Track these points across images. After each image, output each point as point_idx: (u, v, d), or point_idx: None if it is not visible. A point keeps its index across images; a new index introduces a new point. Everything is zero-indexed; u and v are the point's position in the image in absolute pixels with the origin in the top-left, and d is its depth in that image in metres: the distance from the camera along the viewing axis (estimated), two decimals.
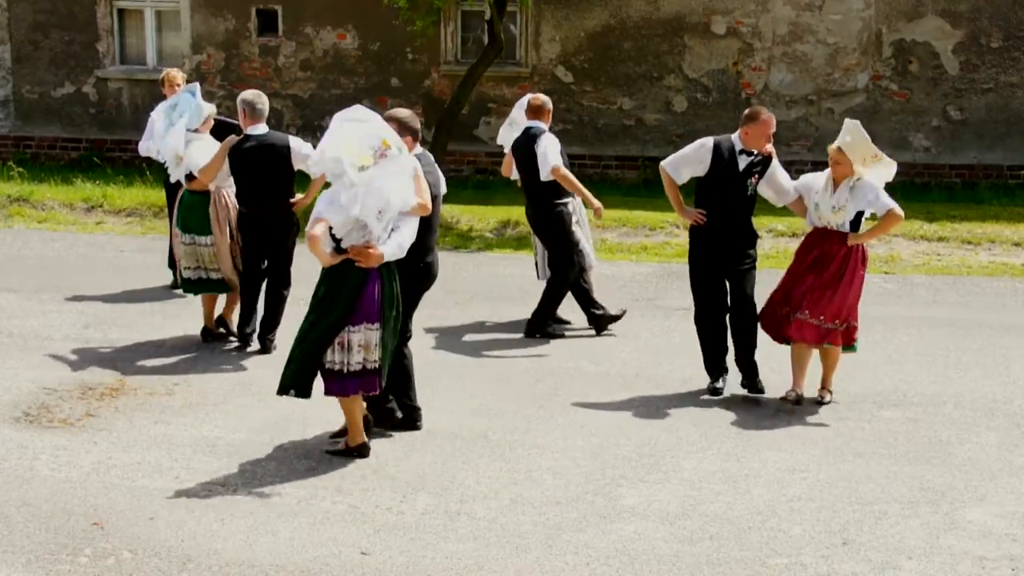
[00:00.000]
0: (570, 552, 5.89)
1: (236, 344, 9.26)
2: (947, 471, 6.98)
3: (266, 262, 9.18)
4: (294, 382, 6.94)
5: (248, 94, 9.06)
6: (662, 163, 8.47)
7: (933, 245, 13.11)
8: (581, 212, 10.07)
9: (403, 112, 7.26)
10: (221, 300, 9.49)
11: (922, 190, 15.55)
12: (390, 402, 7.46)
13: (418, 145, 7.32)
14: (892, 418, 7.88)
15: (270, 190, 8.91)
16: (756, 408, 8.08)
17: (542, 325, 9.69)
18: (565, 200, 9.65)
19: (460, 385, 8.40)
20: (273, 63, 17.01)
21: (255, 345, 9.16)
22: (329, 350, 6.85)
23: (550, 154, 9.47)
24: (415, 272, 7.32)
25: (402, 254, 6.93)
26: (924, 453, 7.27)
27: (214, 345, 9.28)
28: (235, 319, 9.41)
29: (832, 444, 7.41)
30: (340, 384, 6.90)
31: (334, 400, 7.76)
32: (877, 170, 8.09)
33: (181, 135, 9.26)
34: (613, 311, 9.87)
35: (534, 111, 9.71)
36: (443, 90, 16.50)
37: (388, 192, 6.76)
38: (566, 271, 9.65)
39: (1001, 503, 6.54)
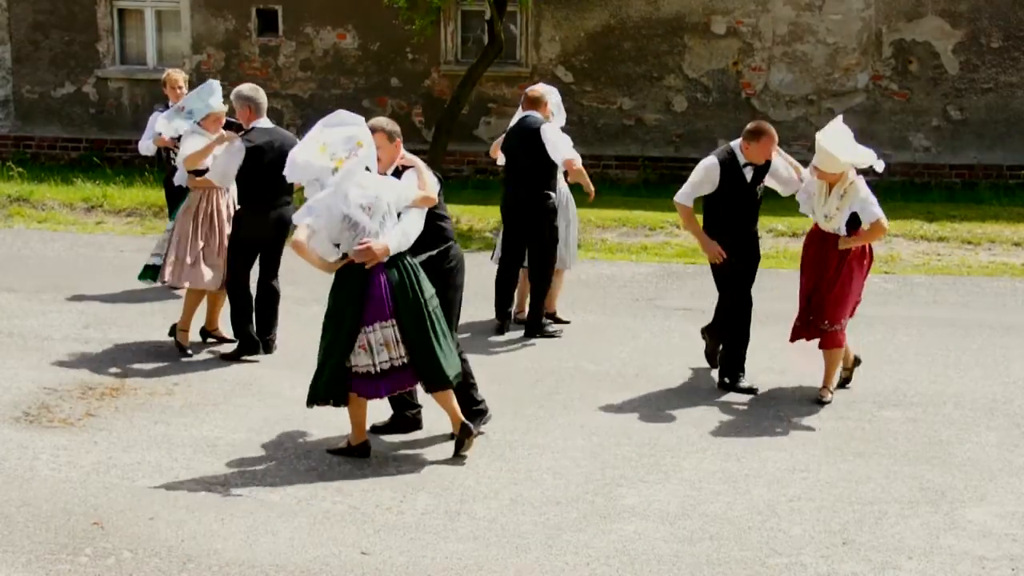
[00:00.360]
0: (570, 552, 5.89)
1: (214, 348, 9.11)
2: (947, 471, 6.98)
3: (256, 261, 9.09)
4: (327, 393, 6.91)
5: (247, 89, 8.94)
6: (677, 199, 8.33)
7: (933, 245, 13.11)
8: (572, 211, 10.08)
9: (382, 120, 7.23)
10: (224, 305, 9.42)
11: (922, 190, 15.56)
12: (416, 410, 7.50)
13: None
14: (892, 418, 7.88)
15: (282, 187, 8.83)
16: (756, 408, 8.08)
17: (539, 325, 9.70)
18: (553, 193, 9.69)
19: None
20: (273, 63, 17.02)
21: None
22: (354, 355, 6.82)
23: (565, 146, 9.60)
24: (438, 263, 7.29)
25: (408, 243, 6.91)
26: (924, 453, 7.27)
27: (214, 345, 9.27)
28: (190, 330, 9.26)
29: (832, 444, 7.41)
30: (374, 386, 6.86)
31: None
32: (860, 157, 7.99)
33: (166, 121, 9.25)
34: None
35: (531, 102, 9.71)
36: (443, 90, 16.50)
37: (377, 188, 6.78)
38: (547, 267, 9.68)
39: (1001, 503, 6.54)
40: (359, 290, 6.78)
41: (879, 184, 15.46)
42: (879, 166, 7.95)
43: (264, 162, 8.71)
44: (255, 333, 9.00)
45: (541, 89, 9.87)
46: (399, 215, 6.90)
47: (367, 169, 6.87)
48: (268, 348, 9.04)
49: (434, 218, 7.20)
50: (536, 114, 9.65)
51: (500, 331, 9.77)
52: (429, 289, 6.97)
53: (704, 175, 8.22)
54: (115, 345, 9.23)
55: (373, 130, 7.01)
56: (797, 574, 5.72)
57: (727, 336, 8.45)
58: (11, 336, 9.41)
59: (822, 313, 8.10)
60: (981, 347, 9.50)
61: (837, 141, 7.86)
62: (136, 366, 8.74)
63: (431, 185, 7.10)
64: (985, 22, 15.68)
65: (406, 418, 7.49)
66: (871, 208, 7.95)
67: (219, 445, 7.23)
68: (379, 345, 6.81)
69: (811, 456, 7.20)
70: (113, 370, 8.63)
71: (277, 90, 16.97)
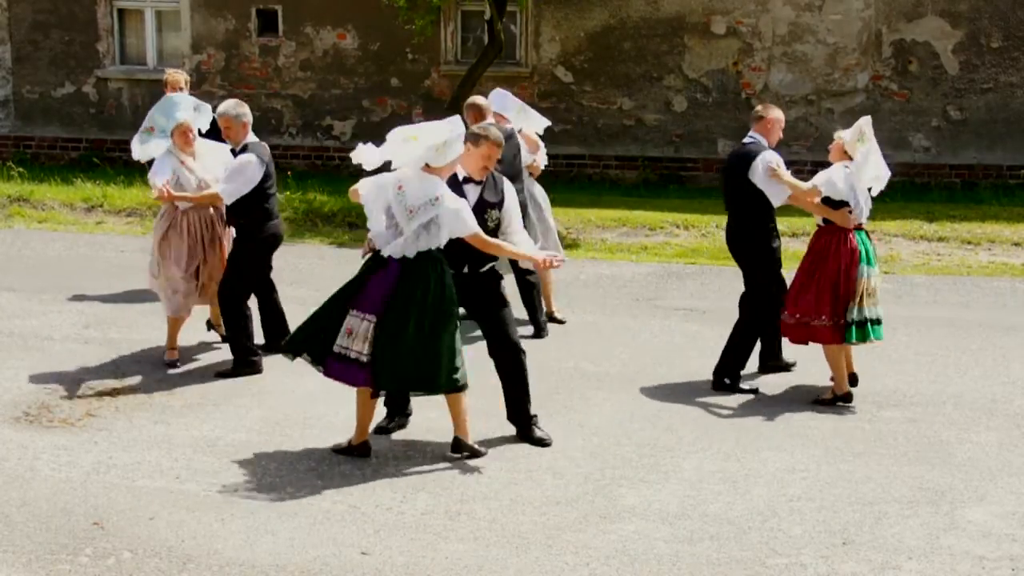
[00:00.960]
0: (570, 552, 5.89)
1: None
2: (947, 471, 6.98)
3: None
4: (303, 343, 6.97)
5: (236, 106, 8.56)
6: (805, 192, 8.19)
7: (933, 245, 13.12)
8: (546, 211, 10.10)
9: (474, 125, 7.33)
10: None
11: (922, 190, 15.57)
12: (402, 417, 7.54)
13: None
14: (892, 418, 7.88)
15: (276, 201, 8.71)
16: (756, 408, 8.08)
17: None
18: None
19: None
20: (273, 63, 17.02)
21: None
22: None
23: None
24: (491, 275, 7.27)
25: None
26: (924, 453, 7.27)
27: (215, 345, 9.27)
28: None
29: (832, 444, 7.41)
30: (329, 362, 6.89)
31: (334, 400, 7.79)
32: (870, 156, 8.11)
33: (139, 145, 8.82)
34: None
35: (482, 111, 9.67)
36: (443, 90, 16.50)
37: (433, 199, 6.75)
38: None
39: (1001, 503, 6.54)
40: (364, 272, 6.86)
41: None
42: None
43: (268, 177, 8.52)
44: (255, 347, 8.68)
45: (481, 99, 9.80)
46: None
47: (466, 183, 7.07)
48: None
49: (494, 234, 7.19)
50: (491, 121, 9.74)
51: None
52: (443, 302, 6.86)
53: (775, 156, 8.29)
54: (115, 345, 9.23)
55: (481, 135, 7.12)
56: (797, 574, 5.72)
57: (748, 336, 8.45)
58: (11, 336, 9.41)
59: (797, 308, 8.16)
60: (981, 347, 9.50)
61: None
62: (136, 366, 8.74)
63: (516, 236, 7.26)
64: (985, 22, 15.69)
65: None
66: (825, 175, 8.08)
67: (219, 445, 7.23)
68: (346, 330, 6.81)
69: (811, 456, 7.20)
70: (113, 370, 8.63)
71: (277, 90, 16.99)
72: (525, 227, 9.89)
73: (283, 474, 6.80)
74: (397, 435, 7.43)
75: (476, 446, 7.08)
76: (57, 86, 17.52)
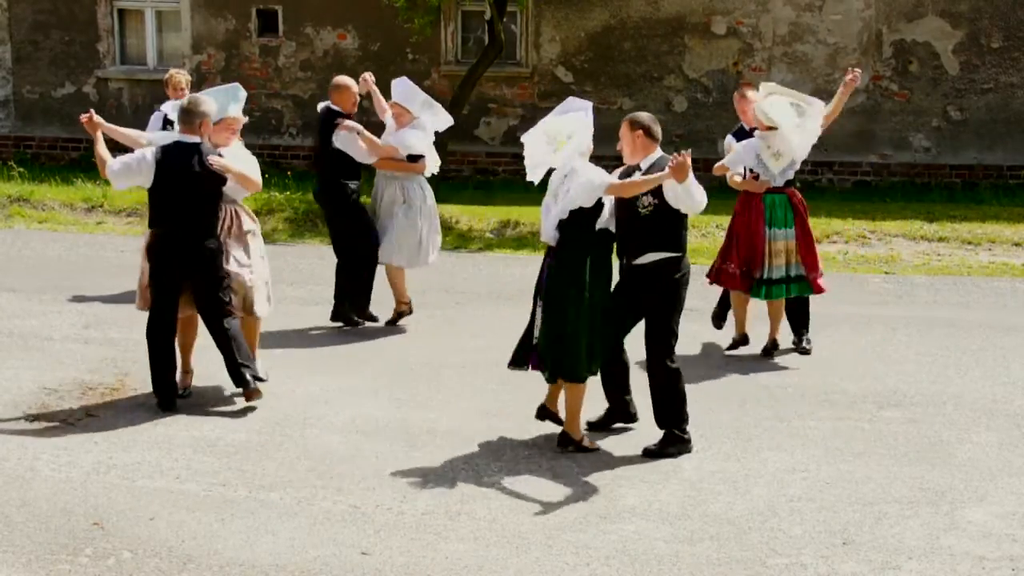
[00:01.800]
0: (570, 552, 5.89)
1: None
2: (947, 471, 6.98)
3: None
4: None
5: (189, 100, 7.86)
6: (720, 163, 9.06)
7: (933, 245, 13.11)
8: (425, 211, 9.80)
9: (639, 114, 7.58)
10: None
11: (922, 190, 15.56)
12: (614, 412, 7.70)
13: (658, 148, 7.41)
14: (892, 418, 7.88)
15: (198, 213, 7.72)
16: (756, 408, 8.08)
17: (353, 314, 9.69)
18: (352, 183, 9.82)
19: (460, 385, 8.40)
20: (273, 63, 17.01)
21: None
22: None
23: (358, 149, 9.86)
24: (667, 269, 7.44)
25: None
26: (924, 453, 7.27)
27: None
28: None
29: (832, 444, 7.41)
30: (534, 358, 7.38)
31: (334, 400, 7.79)
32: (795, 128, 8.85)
33: (172, 108, 8.66)
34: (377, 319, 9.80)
35: (342, 92, 10.14)
36: (443, 90, 16.48)
37: (566, 176, 7.07)
38: (348, 259, 9.64)
39: (1001, 503, 6.54)
40: (542, 267, 7.25)
41: (880, 184, 15.53)
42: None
43: (170, 182, 7.56)
44: (176, 385, 7.89)
45: (342, 78, 10.25)
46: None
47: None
48: (249, 384, 7.83)
49: (678, 223, 7.20)
50: (330, 104, 10.00)
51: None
52: (566, 287, 7.05)
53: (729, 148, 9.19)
54: (115, 345, 9.23)
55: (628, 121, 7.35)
56: (797, 574, 5.72)
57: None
58: (11, 336, 9.41)
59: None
60: (981, 347, 9.50)
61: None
62: (136, 366, 8.73)
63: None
64: (985, 22, 15.68)
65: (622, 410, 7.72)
66: (730, 154, 9.03)
67: (219, 445, 7.23)
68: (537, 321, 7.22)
69: (811, 456, 7.20)
70: (113, 370, 8.63)
71: (277, 90, 16.98)
72: (394, 226, 9.67)
73: (283, 474, 6.80)
74: (396, 435, 7.43)
75: (585, 443, 7.29)
76: (57, 86, 17.51)
